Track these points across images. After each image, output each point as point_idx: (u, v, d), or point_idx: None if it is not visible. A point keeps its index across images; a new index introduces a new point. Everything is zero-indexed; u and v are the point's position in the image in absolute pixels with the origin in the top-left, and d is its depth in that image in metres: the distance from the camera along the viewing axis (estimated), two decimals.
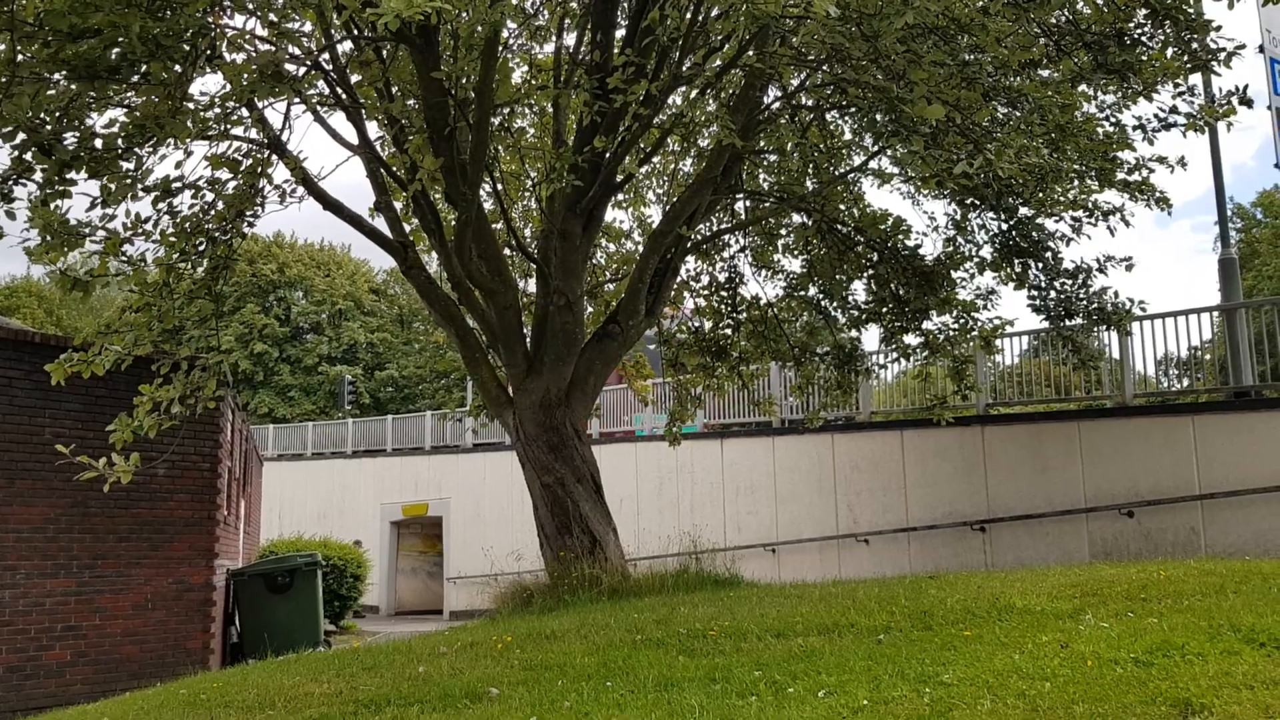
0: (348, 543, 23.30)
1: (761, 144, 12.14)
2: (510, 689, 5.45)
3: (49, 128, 6.57)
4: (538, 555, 10.73)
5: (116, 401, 8.05)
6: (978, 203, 11.77)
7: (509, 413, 10.41)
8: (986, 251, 12.55)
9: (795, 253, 13.83)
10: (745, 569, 10.68)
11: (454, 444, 27.67)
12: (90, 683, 10.52)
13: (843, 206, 12.45)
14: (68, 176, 6.86)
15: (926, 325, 12.72)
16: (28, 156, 6.60)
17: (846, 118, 12.97)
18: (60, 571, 10.57)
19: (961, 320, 12.35)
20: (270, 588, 13.60)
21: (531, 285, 13.35)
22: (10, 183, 6.90)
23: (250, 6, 7.60)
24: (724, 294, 14.01)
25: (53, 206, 6.88)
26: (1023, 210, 11.85)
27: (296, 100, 8.37)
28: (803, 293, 14.08)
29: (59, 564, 10.56)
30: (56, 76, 6.54)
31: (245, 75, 6.86)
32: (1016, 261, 12.13)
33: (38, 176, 6.82)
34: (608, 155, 9.82)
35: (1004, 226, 12.26)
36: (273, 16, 7.61)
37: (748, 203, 13.49)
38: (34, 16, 6.10)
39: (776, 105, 11.88)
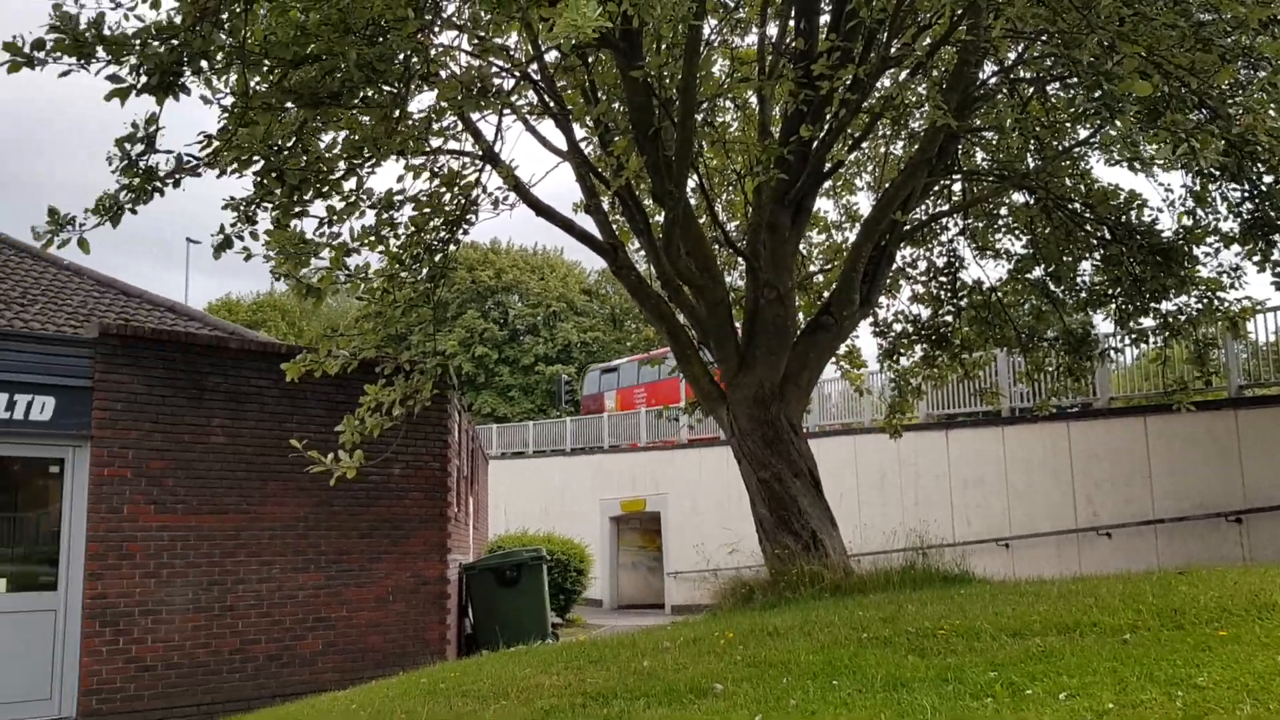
0: (570, 538, 23.92)
1: (977, 122, 11.64)
2: (734, 685, 5.43)
3: (283, 154, 7.03)
4: (756, 550, 10.66)
5: (354, 407, 8.54)
6: (1215, 174, 10.85)
7: (722, 408, 10.38)
8: (1231, 225, 11.57)
9: (1018, 233, 13.19)
10: (975, 565, 10.25)
11: (669, 440, 27.96)
12: (339, 671, 11.21)
13: (1069, 182, 11.76)
14: (302, 199, 7.34)
15: (1165, 306, 11.86)
16: (265, 182, 7.10)
17: (1069, 90, 12.27)
18: (310, 566, 11.31)
19: (1205, 300, 11.44)
20: (500, 581, 14.11)
21: (740, 279, 13.30)
22: (254, 207, 7.45)
23: (458, 24, 7.90)
24: (943, 279, 13.52)
25: (291, 227, 7.39)
26: (1267, 179, 10.84)
27: (507, 111, 8.62)
28: (1028, 275, 13.41)
29: (309, 559, 11.31)
30: (288, 105, 6.98)
31: (456, 92, 7.13)
32: (1263, 237, 11.11)
33: (278, 200, 7.33)
34: (815, 144, 9.64)
35: (1250, 197, 11.26)
36: (480, 33, 7.88)
37: (965, 184, 12.97)
38: (260, 47, 6.52)
39: (993, 81, 11.36)
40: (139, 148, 6.47)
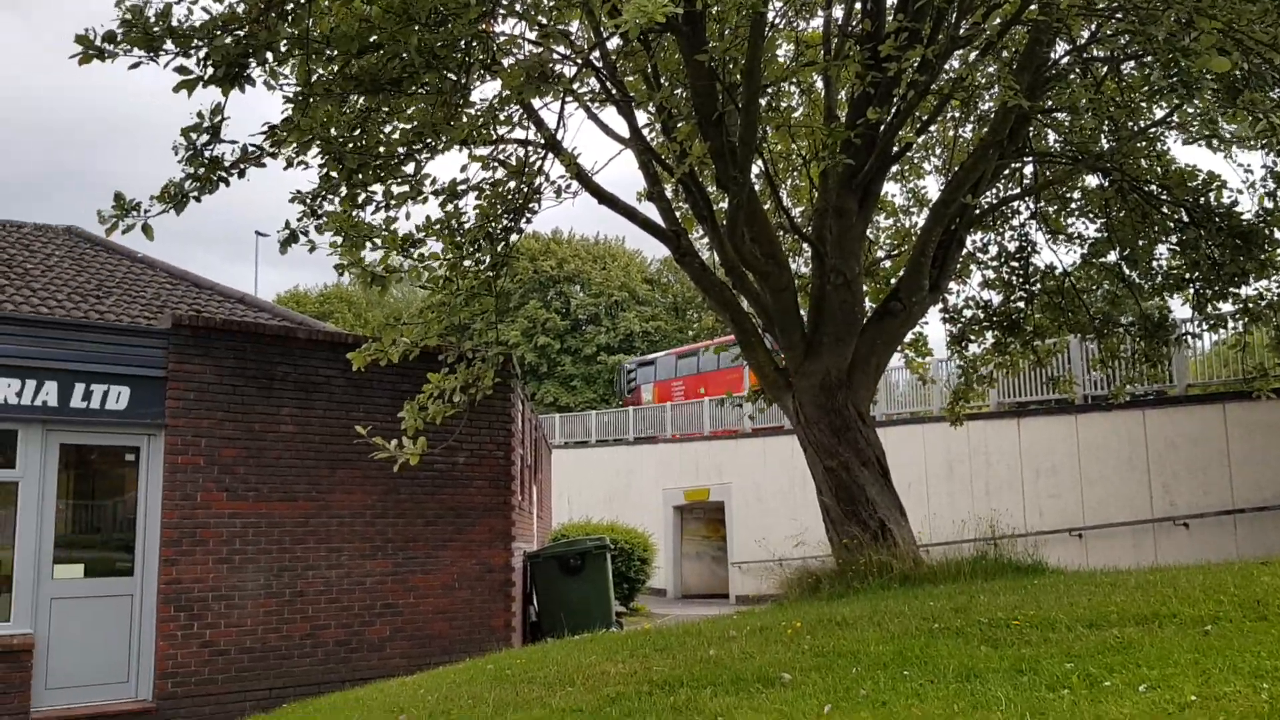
0: (634, 527, 23.95)
1: (1049, 103, 11.36)
2: (803, 675, 5.36)
3: (344, 141, 7.08)
4: (822, 540, 10.55)
5: (418, 396, 8.60)
6: None
7: (788, 396, 10.27)
8: None
9: (1092, 216, 12.85)
10: (1048, 555, 10.06)
11: (733, 429, 27.85)
12: (406, 656, 11.32)
13: (1144, 164, 11.43)
14: (366, 185, 7.39)
15: (1244, 290, 11.49)
16: (327, 171, 7.15)
17: (1145, 68, 11.93)
18: (378, 553, 11.43)
19: None
20: (563, 569, 14.15)
21: (805, 266, 13.15)
22: (319, 200, 7.51)
23: (520, 10, 7.88)
24: (1014, 264, 13.25)
25: (352, 215, 7.45)
26: None
27: (569, 99, 8.59)
28: (1102, 259, 13.07)
29: (376, 546, 11.43)
30: (350, 93, 7.02)
31: (518, 79, 7.11)
32: None
33: (342, 191, 7.39)
34: (882, 127, 9.47)
35: None
36: (541, 19, 7.85)
37: (1036, 166, 12.67)
38: (323, 36, 6.56)
39: (1065, 60, 11.07)
40: (204, 137, 6.55)
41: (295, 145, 6.92)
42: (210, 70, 6.24)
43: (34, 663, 9.30)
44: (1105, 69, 11.41)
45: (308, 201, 7.52)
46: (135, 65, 6.11)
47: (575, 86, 8.62)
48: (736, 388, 28.50)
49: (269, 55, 6.56)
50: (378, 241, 7.62)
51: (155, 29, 6.09)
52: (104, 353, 10.03)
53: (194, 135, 6.52)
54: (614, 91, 9.62)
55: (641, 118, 10.42)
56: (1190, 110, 10.54)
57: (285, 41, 6.57)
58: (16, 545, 9.47)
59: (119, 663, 9.88)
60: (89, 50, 6.00)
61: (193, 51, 6.23)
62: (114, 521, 10.48)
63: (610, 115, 10.54)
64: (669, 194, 10.77)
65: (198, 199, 6.70)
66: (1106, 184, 11.78)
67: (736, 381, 30.32)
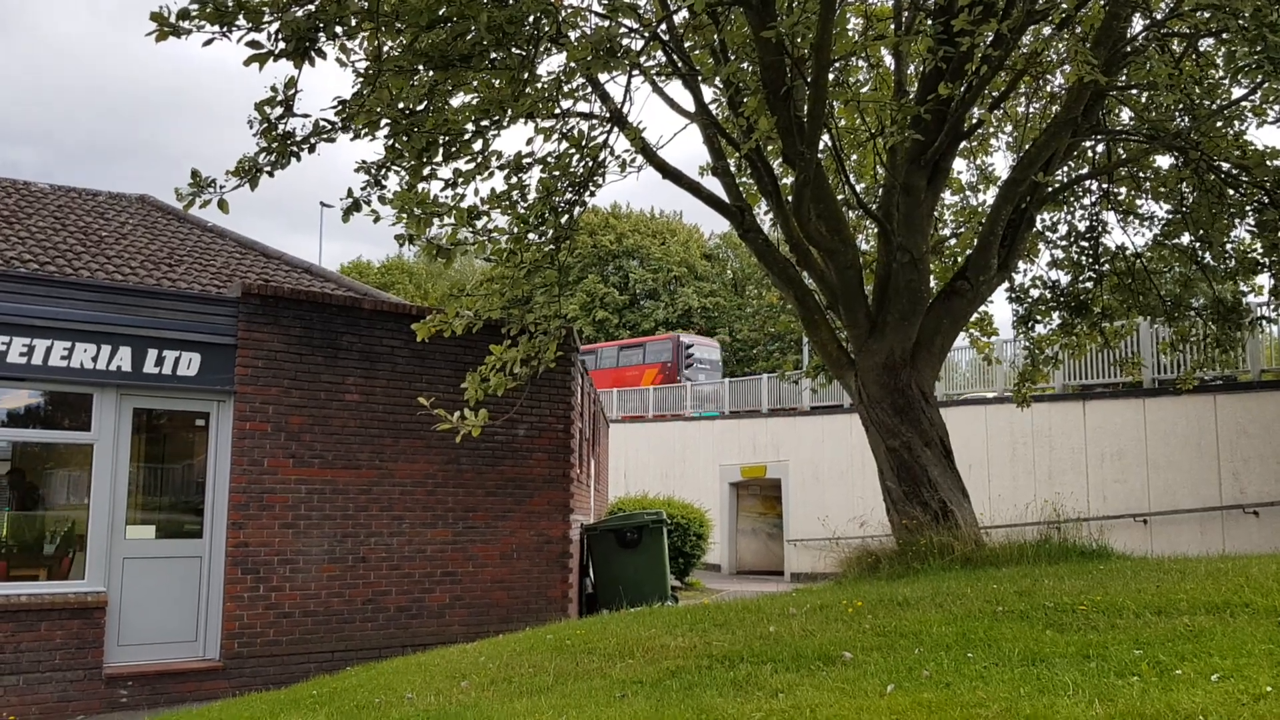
0: (690, 502, 23.97)
1: (1124, 80, 11.07)
2: (864, 654, 5.34)
3: (412, 116, 7.12)
4: (881, 520, 10.47)
5: (479, 367, 8.67)
6: None
7: (850, 375, 10.19)
8: None
9: (1167, 196, 12.54)
10: (1112, 541, 9.89)
11: (791, 406, 27.72)
12: (465, 624, 11.48)
13: (1222, 144, 11.12)
14: (432, 160, 7.43)
15: None
16: (395, 144, 7.20)
17: (1226, 45, 11.57)
18: (438, 522, 11.58)
19: None
20: (620, 543, 14.22)
21: (870, 243, 13.01)
22: (384, 171, 7.57)
23: None
24: (1084, 244, 12.98)
25: (417, 189, 7.50)
26: None
27: (635, 73, 8.55)
28: (1175, 241, 12.76)
29: (437, 515, 11.58)
30: (419, 68, 7.05)
31: (585, 53, 7.09)
32: None
33: (406, 163, 7.44)
34: (954, 103, 9.31)
35: None
36: None
37: (1109, 144, 12.37)
38: (392, 9, 6.59)
39: (1142, 37, 10.78)
40: (278, 110, 6.62)
41: (364, 123, 6.97)
42: (281, 44, 6.30)
43: (107, 620, 9.59)
44: (1184, 45, 11.10)
45: (372, 172, 7.58)
46: (209, 41, 6.19)
47: (642, 60, 8.57)
48: (636, 383, 34.09)
49: (339, 29, 6.61)
50: (448, 219, 7.66)
51: (228, 3, 6.15)
52: (176, 320, 10.24)
53: (267, 109, 6.60)
54: (680, 65, 9.55)
55: (708, 92, 10.34)
56: (1277, 88, 10.20)
57: (355, 15, 6.61)
58: (91, 506, 9.75)
59: (188, 622, 10.14)
60: (164, 27, 6.08)
61: (264, 26, 6.30)
62: (184, 485, 10.73)
63: (676, 89, 10.47)
64: (733, 169, 10.70)
65: (270, 174, 6.79)
66: (1182, 164, 11.47)
67: (636, 378, 37.62)
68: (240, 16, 6.21)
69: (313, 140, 6.95)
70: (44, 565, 9.84)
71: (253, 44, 6.26)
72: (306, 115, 6.86)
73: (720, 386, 32.11)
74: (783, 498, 27.11)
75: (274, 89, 6.60)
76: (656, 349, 41.51)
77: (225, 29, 6.21)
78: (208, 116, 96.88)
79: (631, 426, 33.36)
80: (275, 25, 6.28)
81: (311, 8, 6.36)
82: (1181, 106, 11.40)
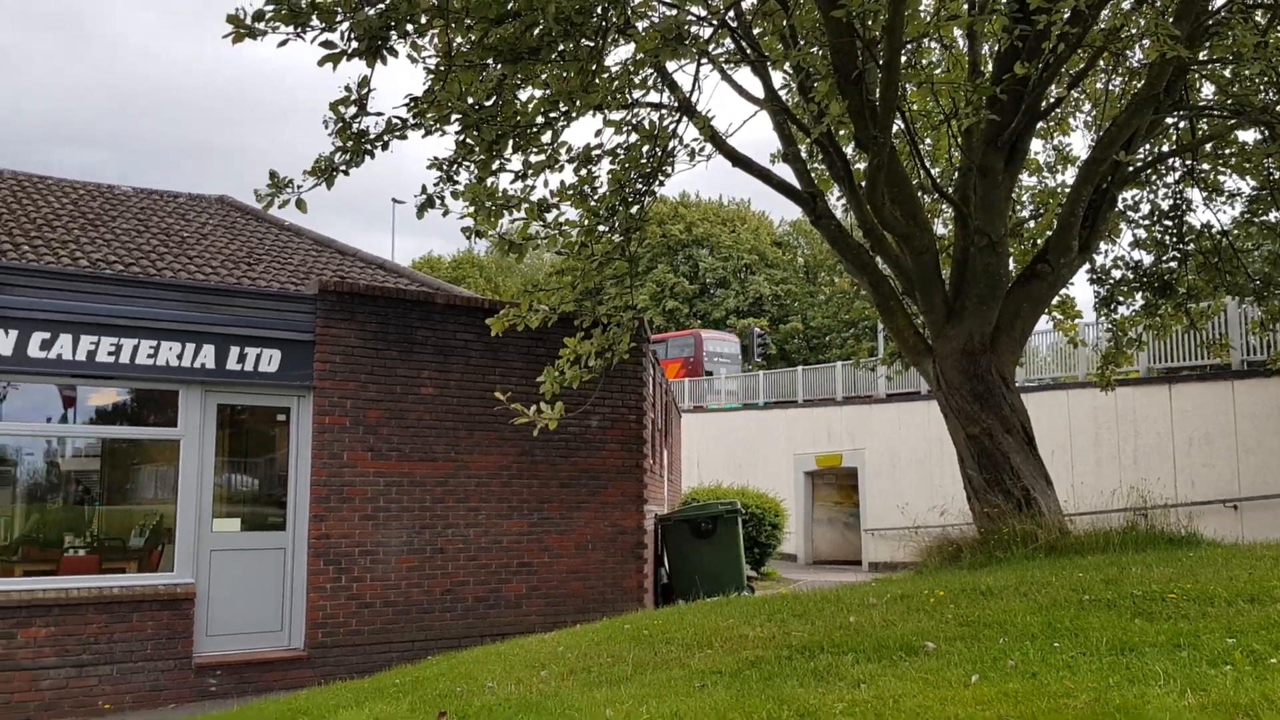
0: (764, 492, 23.86)
1: (1206, 53, 10.72)
2: (947, 644, 5.25)
3: (481, 110, 7.15)
4: (961, 508, 10.30)
5: (552, 360, 8.71)
6: None
7: (928, 361, 10.03)
8: None
9: (1253, 172, 12.13)
10: (1201, 527, 9.60)
11: (866, 394, 27.43)
12: (542, 614, 11.57)
13: None
14: (502, 154, 7.47)
15: None
16: (466, 139, 7.25)
17: None
18: (514, 514, 11.69)
19: None
20: (695, 533, 14.21)
21: (946, 227, 12.79)
22: (456, 166, 7.63)
23: None
24: (1168, 223, 12.61)
25: (487, 183, 7.54)
26: None
27: (704, 61, 8.49)
28: (1263, 217, 12.33)
29: (512, 506, 11.69)
30: (488, 62, 7.08)
31: (653, 42, 7.05)
32: None
33: (477, 157, 7.48)
34: (1030, 82, 9.09)
35: None
36: None
37: (1191, 121, 11.99)
38: (462, 5, 6.62)
39: (1225, 8, 10.42)
40: (352, 109, 6.70)
41: (435, 118, 7.03)
42: (354, 44, 6.37)
43: (195, 611, 9.85)
44: (1267, 17, 10.70)
45: (444, 168, 7.64)
46: (284, 42, 6.28)
47: (710, 48, 8.51)
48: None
49: (410, 27, 6.66)
50: (518, 212, 7.70)
51: (301, 4, 6.24)
52: (257, 317, 10.47)
53: (342, 109, 6.68)
54: (749, 52, 9.47)
55: (777, 78, 10.24)
56: None
57: (425, 12, 6.65)
58: (179, 500, 10.02)
59: (273, 613, 10.38)
60: (240, 29, 6.19)
61: (336, 26, 6.37)
62: (266, 478, 10.97)
63: (745, 76, 10.40)
64: (804, 155, 10.58)
65: (345, 172, 6.88)
66: (1267, 138, 11.08)
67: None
68: (314, 17, 6.29)
69: (386, 138, 7.02)
70: (134, 558, 10.14)
71: (326, 44, 6.34)
72: (380, 114, 6.94)
73: (793, 374, 31.89)
74: (859, 487, 26.86)
75: (347, 88, 6.68)
76: (679, 345, 42.71)
77: (299, 29, 6.29)
78: (259, 117, 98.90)
79: (705, 416, 33.30)
80: (347, 25, 6.35)
81: (383, 6, 6.41)
82: (1267, 79, 11.01)
